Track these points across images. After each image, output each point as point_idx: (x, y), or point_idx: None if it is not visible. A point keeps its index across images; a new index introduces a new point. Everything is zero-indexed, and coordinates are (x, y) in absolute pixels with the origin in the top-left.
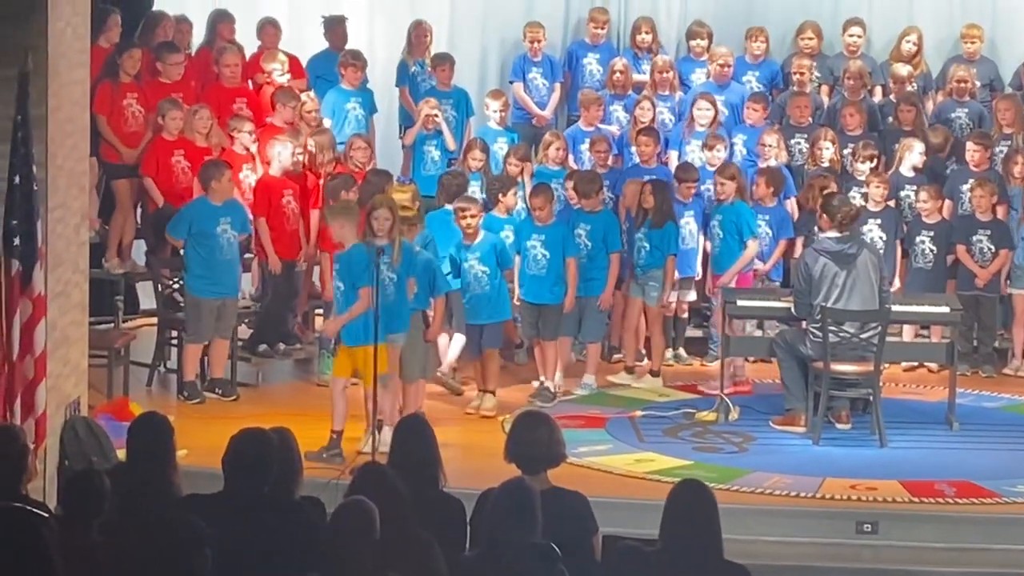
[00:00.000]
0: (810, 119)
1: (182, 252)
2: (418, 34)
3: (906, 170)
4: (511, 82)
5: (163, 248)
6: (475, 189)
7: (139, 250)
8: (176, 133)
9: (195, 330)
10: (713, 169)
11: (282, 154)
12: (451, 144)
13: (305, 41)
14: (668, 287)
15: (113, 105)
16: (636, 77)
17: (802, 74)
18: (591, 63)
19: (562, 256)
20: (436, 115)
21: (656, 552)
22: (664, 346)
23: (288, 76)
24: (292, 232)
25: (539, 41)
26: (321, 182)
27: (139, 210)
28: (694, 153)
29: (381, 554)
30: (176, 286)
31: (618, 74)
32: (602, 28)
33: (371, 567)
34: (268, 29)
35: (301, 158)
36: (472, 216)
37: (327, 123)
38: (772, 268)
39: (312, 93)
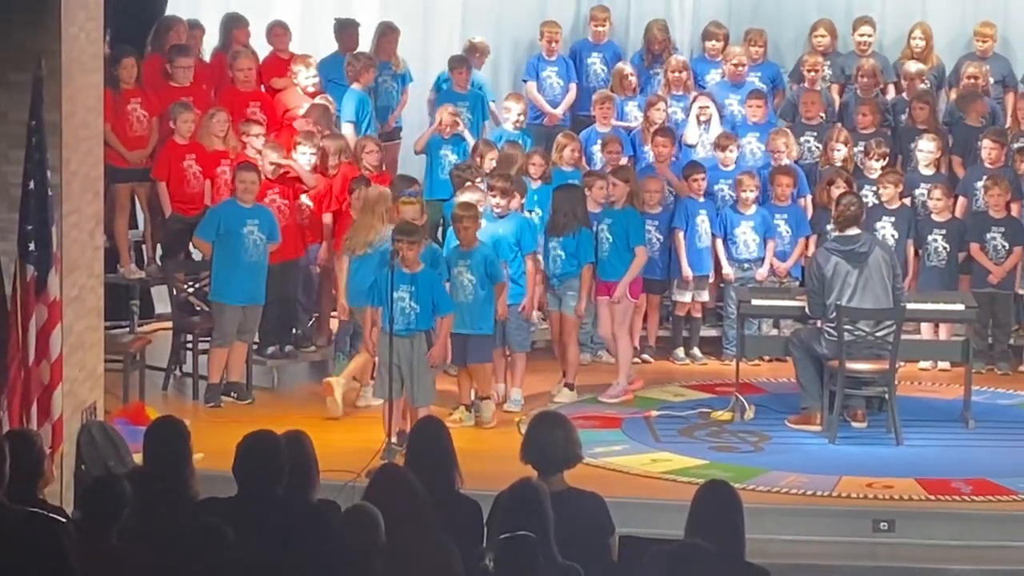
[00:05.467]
0: (822, 115)
1: (204, 256)
2: (384, 36)
3: (922, 168)
4: (524, 81)
5: (178, 252)
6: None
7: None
8: (188, 137)
9: (220, 334)
10: (726, 169)
11: (269, 157)
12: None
13: (319, 45)
14: (585, 296)
15: (116, 111)
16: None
17: (815, 71)
18: (595, 62)
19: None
20: (457, 122)
21: (675, 553)
22: (577, 357)
23: (316, 80)
24: (281, 230)
25: (556, 41)
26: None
27: (141, 215)
28: (703, 136)
29: (396, 557)
30: (191, 290)
31: (630, 76)
32: (603, 25)
33: (381, 571)
34: (276, 31)
35: (315, 160)
36: (468, 224)
37: (347, 127)
38: (793, 266)
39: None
